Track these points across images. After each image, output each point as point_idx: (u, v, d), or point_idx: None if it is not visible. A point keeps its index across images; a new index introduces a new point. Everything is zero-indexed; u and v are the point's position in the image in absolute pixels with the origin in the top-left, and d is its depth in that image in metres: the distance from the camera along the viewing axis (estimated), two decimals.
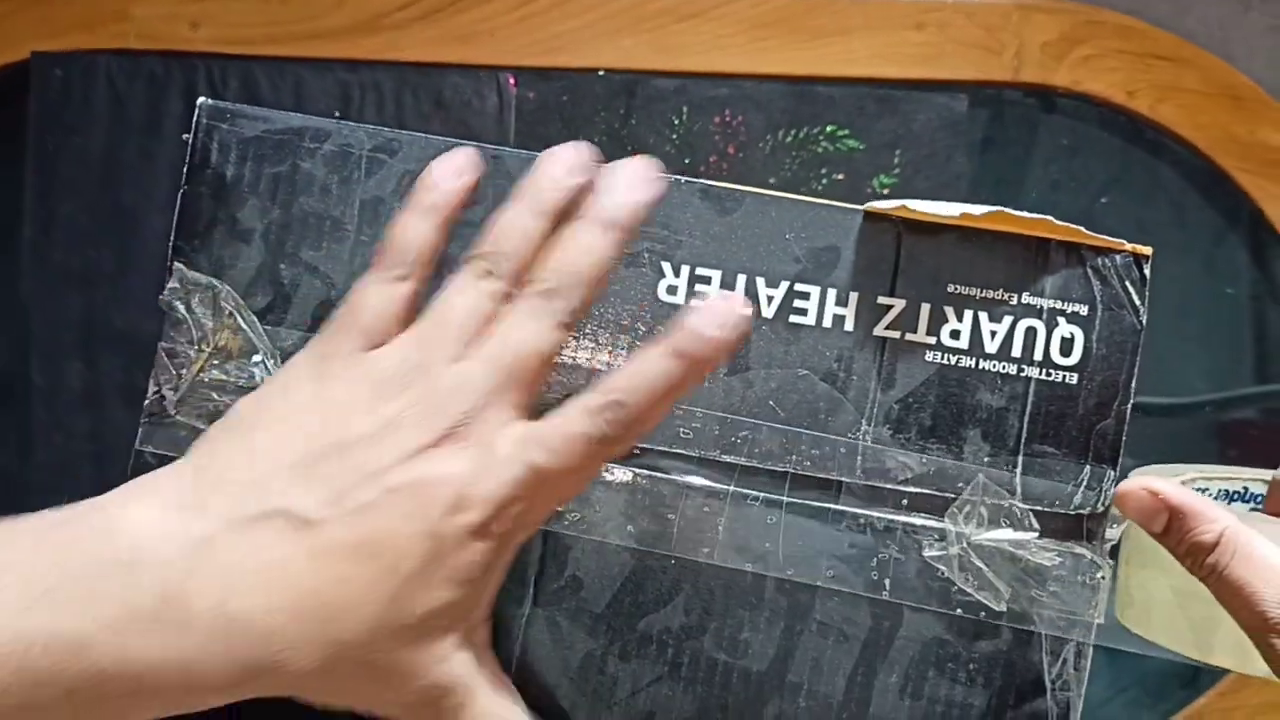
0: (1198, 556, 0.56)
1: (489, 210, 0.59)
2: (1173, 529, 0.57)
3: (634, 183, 0.57)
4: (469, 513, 0.53)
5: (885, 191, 0.95)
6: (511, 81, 0.94)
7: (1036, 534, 0.63)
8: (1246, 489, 0.72)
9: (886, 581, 0.63)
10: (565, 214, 0.57)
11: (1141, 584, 0.65)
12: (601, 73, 0.95)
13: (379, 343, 0.56)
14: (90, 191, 0.93)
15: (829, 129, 0.95)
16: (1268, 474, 0.68)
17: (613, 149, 0.94)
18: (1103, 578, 0.63)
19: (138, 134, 0.93)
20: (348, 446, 0.53)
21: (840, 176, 0.94)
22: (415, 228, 0.58)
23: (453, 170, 0.59)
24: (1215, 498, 0.70)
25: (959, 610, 0.63)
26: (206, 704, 0.51)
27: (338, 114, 0.94)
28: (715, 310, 0.55)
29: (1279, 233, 0.97)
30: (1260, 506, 0.69)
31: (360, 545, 0.52)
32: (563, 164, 0.58)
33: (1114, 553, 0.64)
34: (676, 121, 0.94)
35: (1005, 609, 0.63)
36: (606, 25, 0.95)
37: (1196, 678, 0.96)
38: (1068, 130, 0.98)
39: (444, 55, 0.94)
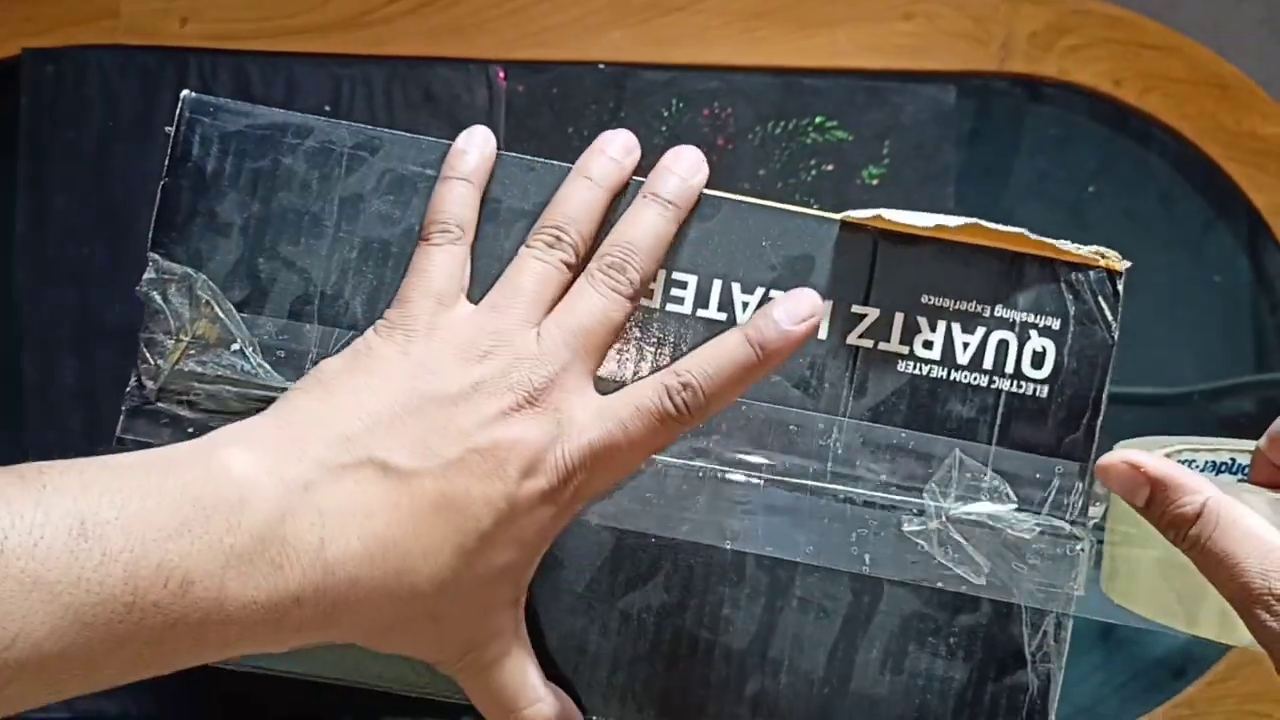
0: (1180, 529, 0.56)
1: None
2: (1155, 501, 0.57)
3: (690, 167, 0.63)
4: (540, 478, 0.56)
5: (874, 182, 0.95)
6: (501, 75, 0.95)
7: (1014, 505, 0.63)
8: (1234, 460, 0.73)
9: (866, 556, 0.64)
10: (619, 191, 0.63)
11: (1126, 556, 0.65)
12: (603, 66, 0.95)
13: (450, 304, 0.59)
14: (83, 186, 0.93)
15: (818, 120, 0.95)
16: (1254, 444, 0.68)
17: None
18: (1081, 550, 0.64)
19: (130, 129, 0.94)
20: (435, 403, 0.56)
21: (829, 167, 0.95)
22: (458, 192, 0.62)
23: (479, 139, 0.63)
24: (1202, 470, 0.70)
25: (939, 584, 0.64)
26: (289, 645, 0.53)
27: (328, 108, 0.94)
28: (798, 303, 0.59)
29: (1266, 221, 0.97)
30: (1247, 478, 0.69)
31: (441, 500, 0.54)
32: (618, 145, 0.63)
33: (1096, 528, 0.65)
34: (666, 114, 0.95)
35: (985, 582, 0.64)
36: (594, 19, 0.95)
37: (1185, 668, 0.97)
38: (1055, 120, 0.98)
39: (433, 49, 0.95)
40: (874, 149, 0.95)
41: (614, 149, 0.63)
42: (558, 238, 0.60)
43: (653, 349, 0.64)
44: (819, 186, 0.95)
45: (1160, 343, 0.98)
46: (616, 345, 0.63)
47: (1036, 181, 0.98)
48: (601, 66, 0.95)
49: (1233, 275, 0.99)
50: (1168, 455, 0.65)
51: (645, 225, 0.62)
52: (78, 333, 0.93)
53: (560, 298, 0.60)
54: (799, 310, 0.59)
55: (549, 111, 0.95)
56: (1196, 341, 1.00)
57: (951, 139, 0.96)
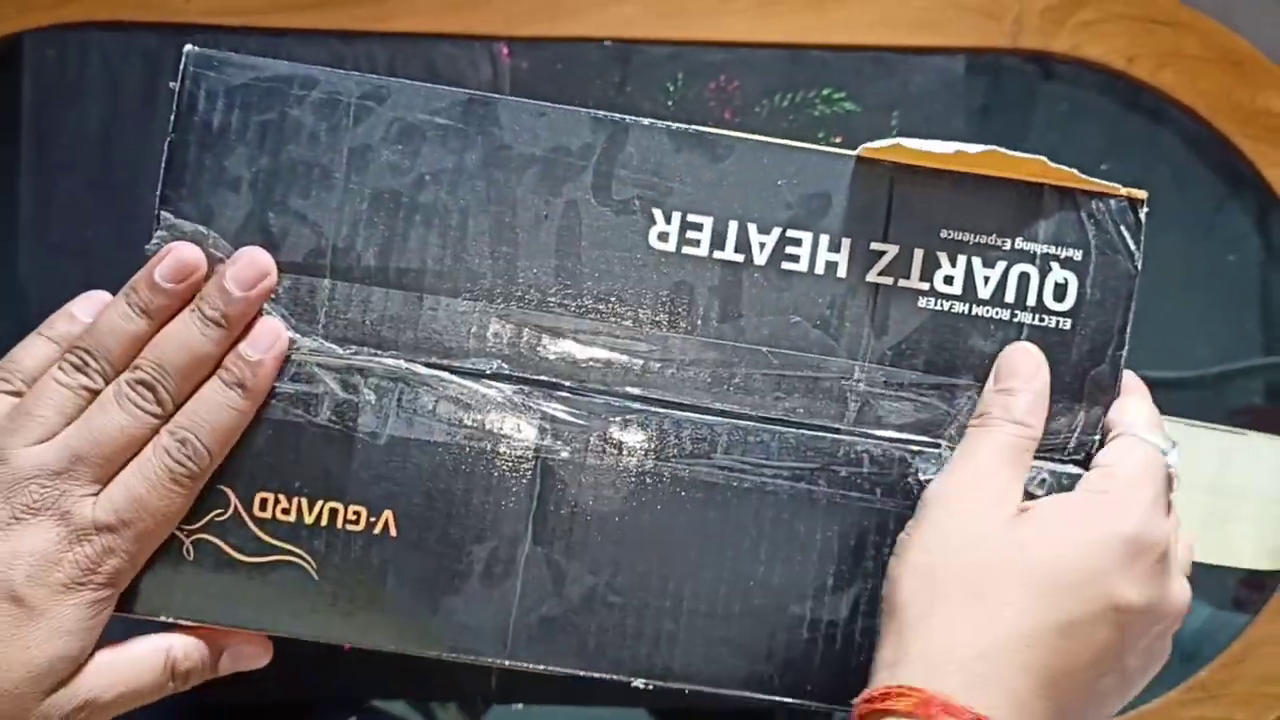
0: None
1: (482, 156, 0.63)
2: None
3: (250, 276, 0.62)
4: (57, 573, 0.58)
5: None
6: (505, 51, 0.94)
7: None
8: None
9: (882, 506, 0.64)
10: (167, 317, 0.62)
11: None
12: (608, 43, 0.94)
13: None
14: (86, 169, 0.93)
15: (825, 92, 0.94)
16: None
17: None
18: None
19: (132, 110, 0.93)
20: None
21: (838, 140, 0.94)
22: (39, 349, 0.63)
23: (87, 308, 0.63)
24: None
25: None
26: None
27: None
28: (259, 335, 0.62)
29: None
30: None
31: None
32: (169, 268, 0.62)
33: None
34: (672, 88, 0.94)
35: None
36: None
37: (1199, 651, 0.96)
38: (1067, 97, 0.98)
39: (437, 25, 0.94)
40: (882, 120, 0.94)
41: (164, 273, 0.62)
42: (85, 362, 0.61)
43: (671, 292, 0.63)
44: None
45: (1172, 324, 0.98)
46: (634, 290, 0.63)
47: (1048, 159, 0.97)
48: (607, 43, 0.94)
49: (1247, 254, 0.99)
50: None
51: (181, 341, 0.61)
52: None
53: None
54: (261, 341, 0.62)
55: (553, 88, 0.94)
56: (1209, 321, 0.99)
57: (960, 109, 0.95)
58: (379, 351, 0.63)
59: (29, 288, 0.93)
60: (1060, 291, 0.63)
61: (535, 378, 0.63)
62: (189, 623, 0.63)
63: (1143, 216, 0.63)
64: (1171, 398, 0.94)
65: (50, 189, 0.93)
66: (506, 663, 0.63)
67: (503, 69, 0.94)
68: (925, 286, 0.63)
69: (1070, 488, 0.62)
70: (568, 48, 0.94)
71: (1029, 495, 0.62)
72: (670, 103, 0.94)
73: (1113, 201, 0.63)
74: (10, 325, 0.93)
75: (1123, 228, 0.63)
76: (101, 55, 0.93)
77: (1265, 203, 0.97)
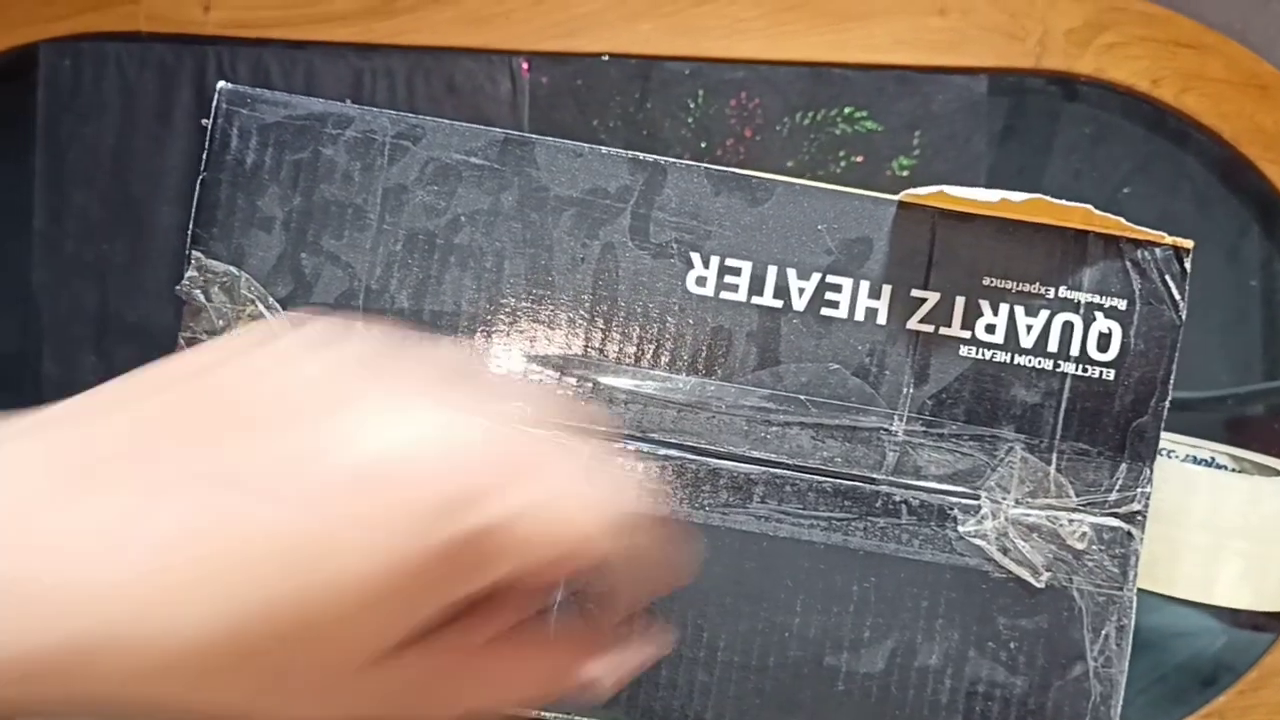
0: None
1: (518, 197, 0.63)
2: None
3: None
4: None
5: (905, 174, 0.94)
6: (524, 66, 0.93)
7: (1075, 505, 0.62)
8: (1213, 458, 0.78)
9: (920, 557, 0.63)
10: None
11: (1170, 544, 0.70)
12: (608, 58, 0.94)
13: None
14: (102, 182, 0.92)
15: (847, 110, 0.94)
16: (1235, 450, 0.72)
17: (628, 133, 0.93)
18: (1137, 550, 0.63)
19: (148, 123, 0.92)
20: None
21: (859, 159, 0.93)
22: None
23: None
24: (1182, 460, 0.76)
25: (996, 587, 0.63)
26: None
27: (348, 100, 0.93)
28: None
29: None
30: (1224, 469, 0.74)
31: None
32: None
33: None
34: (692, 105, 0.93)
35: (1044, 585, 0.62)
36: (624, 9, 0.94)
37: (1216, 676, 0.95)
38: (1090, 119, 0.97)
39: (457, 39, 0.93)
40: (904, 139, 0.94)
41: None
42: None
43: (709, 337, 0.63)
44: (849, 178, 0.94)
45: (1193, 347, 0.97)
46: (671, 335, 0.63)
47: (1070, 181, 0.97)
48: (606, 58, 0.94)
49: (1270, 280, 0.98)
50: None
51: None
52: (98, 330, 0.92)
53: None
54: None
55: (573, 103, 0.93)
56: (1230, 346, 0.99)
57: (983, 128, 0.95)
58: None
59: (42, 300, 0.92)
60: (1104, 342, 0.62)
61: (569, 423, 0.63)
62: None
63: (1188, 266, 0.62)
64: (1184, 418, 0.94)
65: (64, 202, 0.93)
66: (542, 713, 0.63)
67: (522, 84, 0.93)
68: (967, 335, 0.63)
69: (1112, 542, 0.62)
70: (587, 63, 0.94)
71: (1070, 549, 0.62)
72: (691, 120, 0.93)
73: (1158, 250, 0.63)
74: (23, 338, 0.92)
75: (1168, 277, 0.62)
76: (118, 67, 0.92)
77: None
